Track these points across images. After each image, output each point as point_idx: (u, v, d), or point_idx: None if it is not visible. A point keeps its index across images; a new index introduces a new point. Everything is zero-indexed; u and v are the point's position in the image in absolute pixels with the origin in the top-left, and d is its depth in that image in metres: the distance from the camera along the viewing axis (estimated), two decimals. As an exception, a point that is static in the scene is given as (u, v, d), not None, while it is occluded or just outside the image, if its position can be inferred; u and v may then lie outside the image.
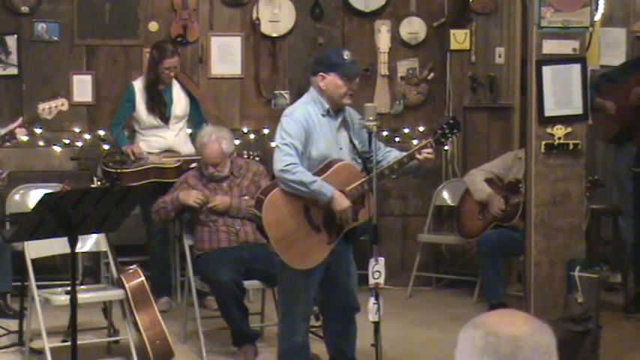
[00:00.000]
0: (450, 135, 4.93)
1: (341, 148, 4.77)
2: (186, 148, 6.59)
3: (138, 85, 6.66)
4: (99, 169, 6.62)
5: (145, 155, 6.53)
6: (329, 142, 4.73)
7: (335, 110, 4.77)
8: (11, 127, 5.81)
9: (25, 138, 6.23)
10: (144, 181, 6.38)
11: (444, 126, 4.91)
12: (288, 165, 4.57)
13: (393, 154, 4.86)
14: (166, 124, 6.62)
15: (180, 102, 6.67)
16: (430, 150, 4.77)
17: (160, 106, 6.60)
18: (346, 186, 4.71)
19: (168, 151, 6.60)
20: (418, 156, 4.76)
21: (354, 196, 4.73)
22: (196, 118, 6.74)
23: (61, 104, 5.91)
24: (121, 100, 6.77)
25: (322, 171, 4.70)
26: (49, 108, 5.87)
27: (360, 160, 4.81)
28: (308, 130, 4.66)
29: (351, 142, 4.80)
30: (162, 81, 6.61)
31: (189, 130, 6.77)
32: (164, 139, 6.61)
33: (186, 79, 6.83)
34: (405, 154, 4.82)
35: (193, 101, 6.76)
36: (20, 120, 5.86)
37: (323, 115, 4.73)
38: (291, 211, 4.66)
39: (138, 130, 6.67)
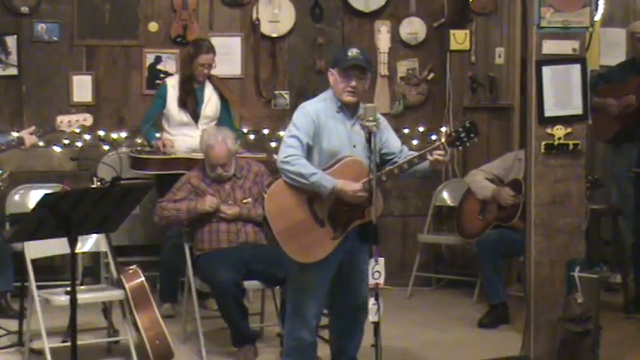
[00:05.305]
0: (466, 140, 4.70)
1: (355, 146, 4.73)
2: None
3: (171, 81, 6.66)
4: (128, 159, 6.53)
5: (175, 149, 6.50)
6: (342, 138, 4.72)
7: (350, 108, 4.76)
8: (23, 132, 5.81)
9: (40, 143, 6.27)
10: (171, 171, 6.31)
11: (460, 129, 4.73)
12: (288, 157, 4.59)
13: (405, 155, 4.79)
14: (196, 122, 6.58)
15: (211, 102, 6.64)
16: (442, 152, 4.63)
17: (192, 102, 6.58)
18: (354, 181, 4.66)
19: (196, 152, 6.54)
20: (429, 157, 4.64)
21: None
22: (226, 122, 6.66)
23: (83, 119, 5.93)
24: (154, 97, 6.76)
25: (330, 166, 4.69)
26: (68, 121, 5.86)
27: (377, 161, 4.73)
28: (318, 124, 4.67)
29: (368, 141, 4.70)
30: (196, 78, 6.60)
31: None
32: (192, 138, 6.48)
33: (220, 82, 6.79)
34: (416, 154, 4.73)
35: (225, 104, 6.74)
36: (33, 128, 5.84)
37: (337, 112, 4.74)
38: (295, 203, 4.65)
39: (167, 129, 6.64)
